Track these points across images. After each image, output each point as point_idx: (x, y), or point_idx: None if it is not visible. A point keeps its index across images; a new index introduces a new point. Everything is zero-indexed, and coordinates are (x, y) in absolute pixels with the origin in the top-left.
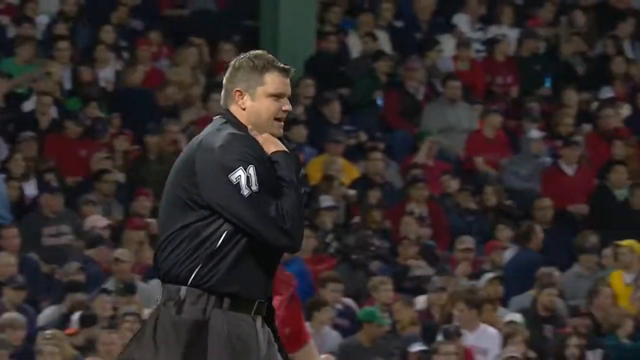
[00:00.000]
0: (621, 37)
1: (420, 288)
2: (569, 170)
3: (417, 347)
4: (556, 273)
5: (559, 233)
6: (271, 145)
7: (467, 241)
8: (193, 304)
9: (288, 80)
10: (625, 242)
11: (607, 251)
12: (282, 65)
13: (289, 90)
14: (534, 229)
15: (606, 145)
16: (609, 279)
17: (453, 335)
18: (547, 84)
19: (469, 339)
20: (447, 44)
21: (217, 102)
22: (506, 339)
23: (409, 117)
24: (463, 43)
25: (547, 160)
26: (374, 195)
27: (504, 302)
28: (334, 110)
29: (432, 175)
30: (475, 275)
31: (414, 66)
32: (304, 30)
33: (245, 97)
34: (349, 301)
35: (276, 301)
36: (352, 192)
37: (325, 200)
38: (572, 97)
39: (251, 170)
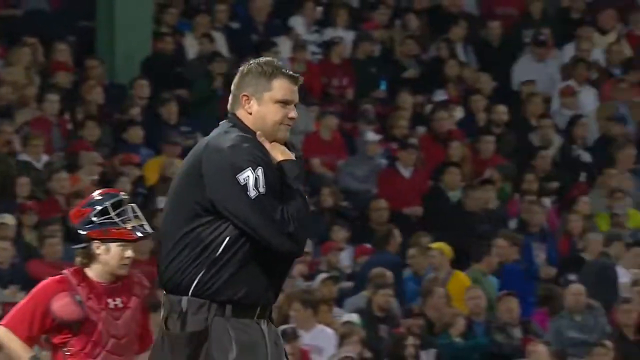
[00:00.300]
0: (454, 40)
1: None
2: (405, 172)
3: None
4: (389, 273)
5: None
6: (278, 153)
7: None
8: (194, 315)
9: (296, 88)
10: (436, 245)
11: (412, 251)
12: (290, 72)
13: (296, 98)
14: (393, 232)
15: (440, 147)
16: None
17: (290, 336)
18: (382, 86)
19: (305, 339)
20: (284, 46)
21: (52, 103)
22: (342, 339)
23: None
24: (299, 45)
25: (383, 162)
26: None
27: (340, 302)
28: (171, 112)
29: None
30: (312, 276)
31: None
32: (140, 31)
33: (252, 102)
34: None
35: (133, 303)
36: None
37: (163, 202)
38: (406, 99)
39: (260, 171)
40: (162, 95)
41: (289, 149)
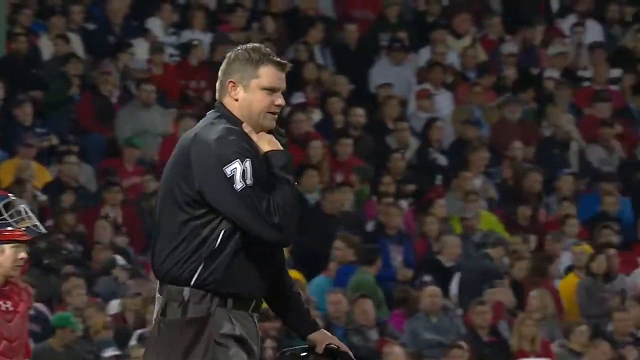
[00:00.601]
0: (311, 43)
1: (114, 292)
2: None
3: (110, 352)
4: None
5: None
6: (265, 143)
7: None
8: (197, 304)
9: (283, 75)
10: None
11: None
12: (278, 59)
13: (283, 85)
14: None
15: (298, 150)
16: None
17: None
18: None
19: None
20: (141, 48)
21: None
22: None
23: (103, 120)
24: (156, 47)
25: None
26: (68, 199)
27: None
28: (25, 113)
29: (127, 178)
30: None
31: (107, 69)
32: None
33: (238, 89)
34: (40, 306)
35: (22, 308)
36: (44, 196)
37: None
38: None
39: (247, 163)
40: (16, 97)
41: (275, 136)
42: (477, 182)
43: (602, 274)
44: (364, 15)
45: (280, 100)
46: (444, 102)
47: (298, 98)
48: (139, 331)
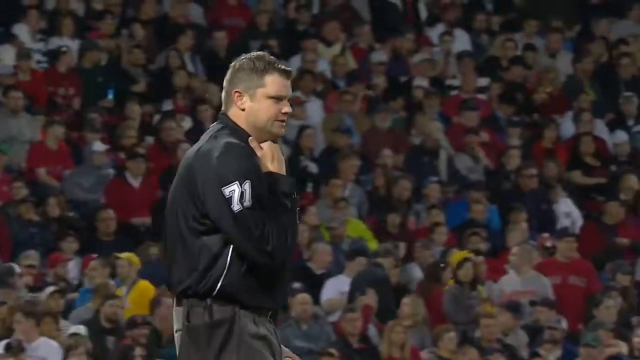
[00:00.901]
0: (182, 50)
1: None
2: (134, 182)
3: None
4: (112, 283)
5: (122, 245)
6: (269, 161)
7: (31, 256)
8: (221, 307)
9: (289, 83)
10: (124, 255)
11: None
12: (283, 67)
13: (289, 93)
14: None
15: (168, 157)
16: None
17: (14, 349)
18: (110, 95)
19: (29, 351)
20: (8, 54)
21: None
22: (67, 351)
23: None
24: (24, 53)
25: (111, 171)
26: None
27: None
28: None
29: None
30: (39, 287)
31: None
32: None
33: (244, 98)
34: None
35: None
36: None
37: None
38: (134, 109)
39: (247, 185)
40: None
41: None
42: (347, 189)
43: (470, 281)
44: (234, 22)
45: (287, 108)
46: (314, 110)
47: (168, 105)
48: (4, 341)
